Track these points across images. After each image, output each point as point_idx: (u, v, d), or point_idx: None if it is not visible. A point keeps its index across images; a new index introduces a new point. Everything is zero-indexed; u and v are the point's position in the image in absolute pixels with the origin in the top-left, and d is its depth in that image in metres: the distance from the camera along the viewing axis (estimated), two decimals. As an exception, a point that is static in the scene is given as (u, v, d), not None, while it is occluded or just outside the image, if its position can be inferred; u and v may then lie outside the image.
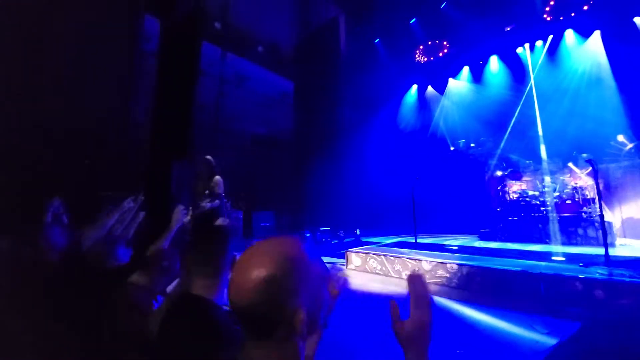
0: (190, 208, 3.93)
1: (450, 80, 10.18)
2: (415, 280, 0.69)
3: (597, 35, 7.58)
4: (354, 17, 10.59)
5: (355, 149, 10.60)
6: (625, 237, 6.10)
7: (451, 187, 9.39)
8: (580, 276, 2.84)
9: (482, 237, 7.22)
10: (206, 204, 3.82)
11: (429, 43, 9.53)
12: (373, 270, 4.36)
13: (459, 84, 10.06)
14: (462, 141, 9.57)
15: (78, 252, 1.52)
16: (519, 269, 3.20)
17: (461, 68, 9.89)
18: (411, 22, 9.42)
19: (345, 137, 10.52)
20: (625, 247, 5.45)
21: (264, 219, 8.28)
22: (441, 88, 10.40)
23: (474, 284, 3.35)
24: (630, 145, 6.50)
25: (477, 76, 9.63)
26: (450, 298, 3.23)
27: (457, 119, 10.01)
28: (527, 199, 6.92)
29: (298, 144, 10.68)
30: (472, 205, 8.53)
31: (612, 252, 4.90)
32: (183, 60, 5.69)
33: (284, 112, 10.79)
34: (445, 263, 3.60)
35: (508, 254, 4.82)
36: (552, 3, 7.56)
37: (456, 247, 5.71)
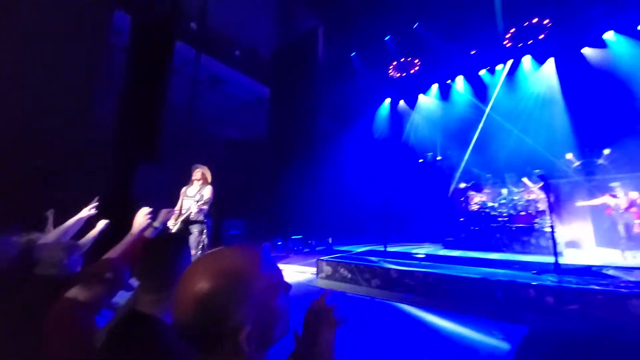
0: (178, 213, 3.75)
1: (421, 96, 10.74)
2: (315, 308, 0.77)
3: (551, 61, 8.44)
4: (333, 29, 10.86)
5: (330, 157, 10.74)
6: (573, 247, 6.72)
7: (420, 198, 9.80)
8: (533, 283, 3.07)
9: (446, 246, 7.58)
10: (196, 213, 3.68)
11: (402, 60, 10.00)
12: (343, 279, 4.39)
13: (428, 100, 10.64)
14: (430, 154, 10.08)
15: (27, 259, 1.38)
16: (479, 276, 3.39)
17: (430, 85, 10.48)
18: (386, 38, 9.85)
19: (321, 145, 10.62)
20: (572, 256, 5.99)
21: (233, 226, 8.05)
22: (412, 103, 10.93)
23: (438, 291, 3.49)
24: (577, 163, 7.25)
25: (445, 94, 10.26)
26: (416, 305, 3.33)
27: (425, 133, 10.55)
28: (487, 210, 7.40)
29: (273, 150, 10.60)
30: (438, 215, 8.94)
31: (561, 260, 5.37)
32: (154, 58, 5.46)
33: (259, 116, 10.69)
34: (412, 271, 3.72)
35: (470, 262, 5.09)
36: (512, 31, 8.28)
37: (423, 255, 5.93)
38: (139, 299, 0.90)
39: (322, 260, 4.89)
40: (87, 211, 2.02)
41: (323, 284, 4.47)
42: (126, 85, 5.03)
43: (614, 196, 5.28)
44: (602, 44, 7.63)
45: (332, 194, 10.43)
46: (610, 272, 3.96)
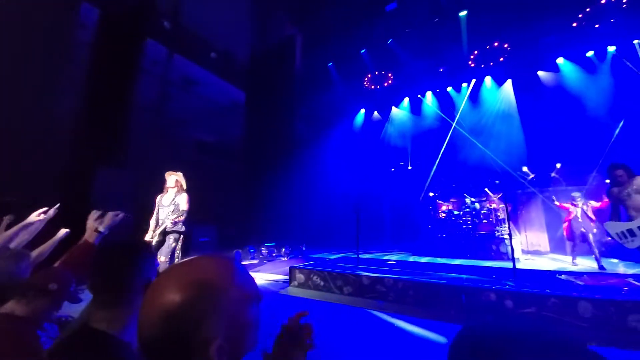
0: (155, 224, 3.56)
1: (394, 108, 11.19)
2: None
3: (509, 82, 9.25)
4: (310, 39, 11.06)
5: (305, 164, 10.78)
6: (529, 252, 7.26)
7: (391, 205, 10.12)
8: (494, 287, 3.27)
9: (415, 253, 7.85)
10: (173, 221, 3.50)
11: (377, 73, 10.38)
12: (316, 287, 4.38)
13: (400, 113, 11.11)
14: (401, 163, 10.49)
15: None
16: (444, 282, 3.55)
17: (403, 98, 10.98)
18: (362, 51, 10.19)
19: (296, 152, 10.65)
20: (528, 262, 6.47)
21: (203, 233, 7.73)
22: (385, 114, 11.34)
23: (408, 297, 3.60)
24: (532, 175, 7.89)
25: (416, 107, 10.79)
26: (387, 312, 3.40)
27: (398, 143, 10.96)
28: (453, 218, 7.79)
29: (247, 155, 10.43)
30: (408, 222, 9.28)
31: (519, 265, 5.77)
32: (122, 55, 5.19)
33: (234, 121, 10.49)
34: (383, 278, 3.80)
35: (437, 268, 5.32)
36: (475, 52, 8.95)
37: (394, 262, 6.09)
38: (92, 313, 0.80)
39: (295, 268, 4.85)
40: (36, 217, 1.84)
41: (295, 292, 4.42)
42: (90, 83, 4.70)
43: (575, 205, 5.79)
44: (555, 68, 8.52)
45: (307, 201, 10.44)
46: (563, 277, 4.34)
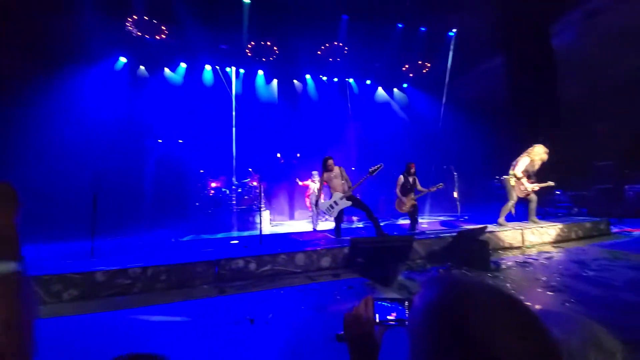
0: None
1: (166, 69, 9.76)
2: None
3: (275, 82, 10.87)
4: None
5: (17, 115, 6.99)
6: (275, 220, 9.09)
7: (144, 185, 8.80)
8: (241, 257, 3.74)
9: (182, 232, 7.45)
10: None
11: (146, 18, 8.46)
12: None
13: (173, 77, 9.88)
14: (160, 140, 9.32)
15: None
16: (199, 259, 3.60)
17: (179, 63, 9.84)
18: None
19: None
20: (276, 227, 8.11)
21: None
22: (155, 74, 9.63)
23: (158, 284, 3.30)
24: (282, 161, 9.88)
25: (193, 77, 10.01)
26: (129, 307, 2.91)
27: (163, 113, 9.45)
28: (220, 195, 8.18)
29: None
30: (175, 200, 8.65)
31: (270, 231, 7.04)
32: None
33: None
34: (126, 269, 3.23)
35: (199, 245, 5.35)
36: (252, 43, 9.61)
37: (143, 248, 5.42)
38: None
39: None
40: None
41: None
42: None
43: (314, 182, 7.88)
44: (304, 81, 11.07)
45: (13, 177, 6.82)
46: (294, 236, 5.77)
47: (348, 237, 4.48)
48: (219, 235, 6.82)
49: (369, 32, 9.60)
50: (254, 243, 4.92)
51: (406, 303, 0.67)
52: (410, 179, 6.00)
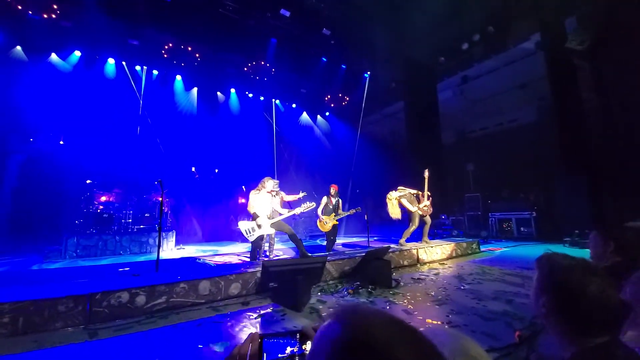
0: None
1: (54, 55, 8.03)
2: None
3: (195, 90, 10.14)
4: None
5: None
6: (182, 243, 8.01)
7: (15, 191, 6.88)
8: (127, 288, 3.07)
9: (46, 259, 5.83)
10: None
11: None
12: None
13: (64, 66, 8.18)
14: (31, 139, 7.54)
15: None
16: (63, 294, 2.79)
17: (72, 51, 8.24)
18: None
19: None
20: (180, 251, 7.11)
21: None
22: (40, 57, 7.79)
23: (1, 328, 2.39)
24: (196, 175, 9.02)
25: (94, 70, 8.48)
26: None
27: (40, 105, 7.57)
28: (111, 212, 6.82)
29: None
30: (37, 217, 6.85)
31: (168, 256, 6.12)
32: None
33: None
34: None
35: (70, 273, 4.24)
36: (170, 45, 8.82)
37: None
38: None
39: None
40: None
41: None
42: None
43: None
44: (228, 95, 10.66)
45: None
46: (200, 260, 5.16)
47: (264, 259, 4.26)
48: (104, 262, 5.57)
49: (295, 59, 10.02)
50: (149, 270, 4.18)
51: (298, 336, 0.60)
52: (333, 200, 6.22)
